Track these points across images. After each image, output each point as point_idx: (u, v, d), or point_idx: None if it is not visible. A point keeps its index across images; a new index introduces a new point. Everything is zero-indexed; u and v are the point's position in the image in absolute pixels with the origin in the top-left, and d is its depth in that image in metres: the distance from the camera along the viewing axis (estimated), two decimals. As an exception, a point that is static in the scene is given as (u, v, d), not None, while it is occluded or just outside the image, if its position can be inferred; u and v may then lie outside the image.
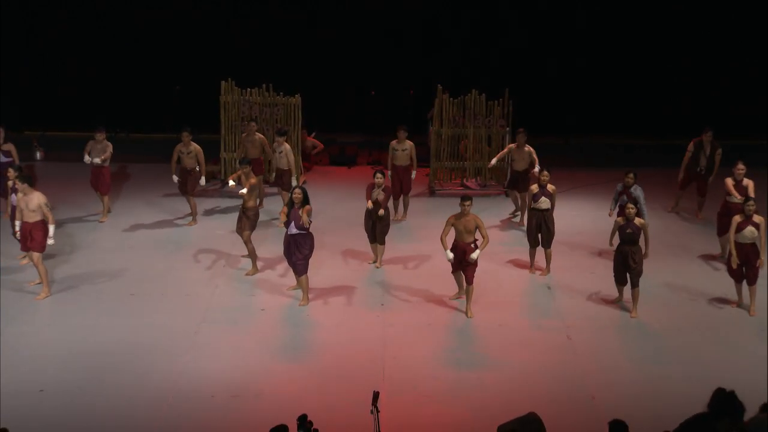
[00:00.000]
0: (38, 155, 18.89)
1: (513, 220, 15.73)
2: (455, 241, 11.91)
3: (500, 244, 14.58)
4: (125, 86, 20.54)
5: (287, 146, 15.33)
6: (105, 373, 10.40)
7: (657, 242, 14.58)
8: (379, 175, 13.31)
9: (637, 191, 13.25)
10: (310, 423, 7.30)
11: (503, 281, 13.20)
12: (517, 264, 13.82)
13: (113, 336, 11.30)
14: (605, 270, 13.52)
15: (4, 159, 14.84)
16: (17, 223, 12.34)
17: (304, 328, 11.74)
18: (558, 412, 9.35)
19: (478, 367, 10.79)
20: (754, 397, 10.02)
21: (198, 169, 15.27)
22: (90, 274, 13.28)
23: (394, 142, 15.54)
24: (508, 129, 17.24)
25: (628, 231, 12.04)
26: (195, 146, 15.26)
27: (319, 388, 10.13)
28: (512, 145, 15.54)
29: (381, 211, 13.16)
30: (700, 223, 15.70)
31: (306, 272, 12.22)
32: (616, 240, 12.35)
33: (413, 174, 15.58)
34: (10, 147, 15.09)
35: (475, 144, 17.38)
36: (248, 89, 17.48)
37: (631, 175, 13.41)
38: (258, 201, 14.18)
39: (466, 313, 11.98)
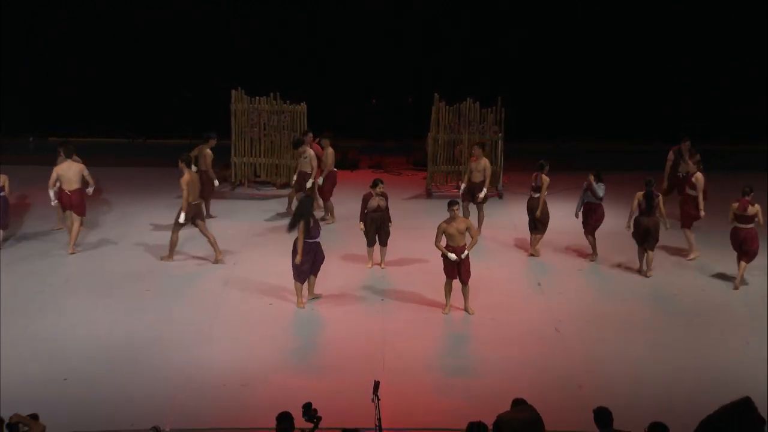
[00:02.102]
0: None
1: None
2: (450, 247, 11.78)
3: (492, 242, 14.66)
4: (140, 94, 20.59)
5: (311, 152, 15.24)
6: (124, 364, 10.48)
7: (633, 244, 14.74)
8: (380, 184, 13.29)
9: (599, 187, 13.57)
10: (315, 410, 7.37)
11: (495, 278, 13.24)
12: (508, 261, 13.89)
13: (132, 330, 11.38)
14: (591, 266, 13.66)
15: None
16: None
17: (309, 322, 11.80)
18: (547, 400, 9.37)
19: (472, 359, 10.87)
20: (732, 383, 10.15)
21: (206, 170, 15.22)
22: (109, 271, 13.36)
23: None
24: (500, 135, 17.32)
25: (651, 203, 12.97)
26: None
27: (323, 378, 10.20)
28: (472, 158, 15.24)
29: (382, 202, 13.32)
30: (675, 226, 15.66)
31: None
32: None
33: (313, 181, 15.26)
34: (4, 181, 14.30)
35: (470, 149, 17.42)
36: (257, 97, 17.54)
37: (593, 175, 13.71)
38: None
39: (468, 311, 11.94)
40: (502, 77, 20.19)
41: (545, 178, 13.83)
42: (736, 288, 12.88)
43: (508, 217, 15.93)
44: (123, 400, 9.67)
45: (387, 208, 13.51)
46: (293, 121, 17.50)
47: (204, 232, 13.50)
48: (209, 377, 10.20)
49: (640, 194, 13.10)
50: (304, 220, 11.79)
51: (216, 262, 13.53)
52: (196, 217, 13.40)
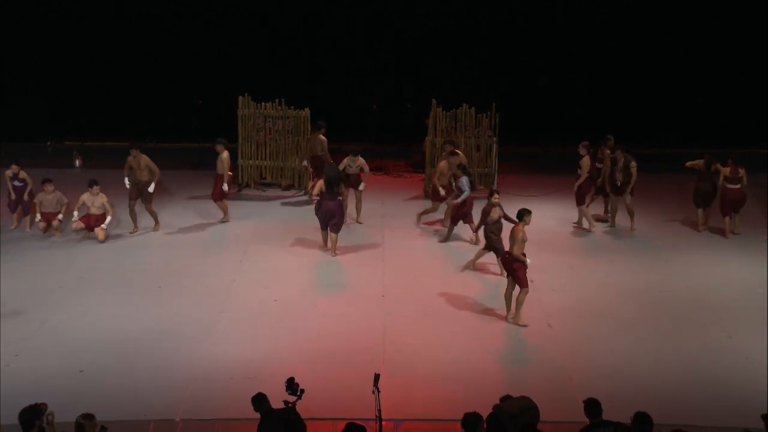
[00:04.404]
0: (77, 163, 18.96)
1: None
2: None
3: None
4: (151, 99, 20.56)
5: (362, 160, 15.36)
6: (136, 357, 10.50)
7: (627, 242, 14.79)
8: (496, 195, 12.77)
9: (464, 182, 13.98)
10: (297, 384, 7.46)
11: (490, 275, 13.23)
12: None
13: (143, 324, 11.39)
14: (581, 264, 13.66)
15: (18, 183, 14.92)
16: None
17: (312, 317, 11.79)
18: (540, 391, 9.36)
19: (469, 352, 10.84)
20: (714, 375, 10.19)
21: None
22: (121, 269, 13.39)
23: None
24: (495, 139, 17.32)
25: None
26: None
27: (326, 371, 10.20)
28: (443, 163, 15.25)
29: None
30: (662, 225, 15.74)
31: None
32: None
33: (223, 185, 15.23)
34: (24, 175, 14.98)
35: (466, 152, 17.42)
36: (263, 103, 17.56)
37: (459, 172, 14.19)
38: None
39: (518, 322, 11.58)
40: (499, 82, 20.20)
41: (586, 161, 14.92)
42: (735, 233, 14.89)
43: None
44: (135, 392, 9.68)
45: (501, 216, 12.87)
46: (297, 125, 17.54)
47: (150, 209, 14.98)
48: (218, 370, 10.21)
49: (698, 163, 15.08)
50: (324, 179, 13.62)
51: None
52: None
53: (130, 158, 14.82)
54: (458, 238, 14.81)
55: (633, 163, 14.90)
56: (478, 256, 13.23)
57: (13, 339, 10.82)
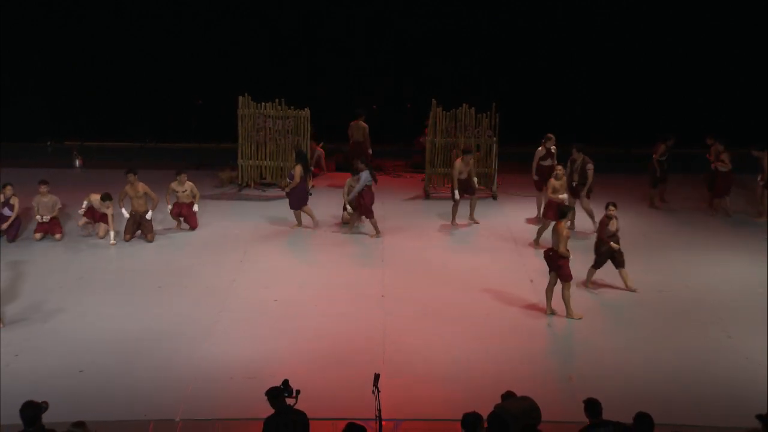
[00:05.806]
0: (77, 163, 18.92)
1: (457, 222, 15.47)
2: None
3: (487, 241, 14.66)
4: (151, 99, 20.52)
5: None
6: (136, 357, 10.50)
7: (626, 242, 14.76)
8: (612, 207, 12.47)
9: (363, 175, 14.53)
10: (291, 387, 7.53)
11: (490, 276, 13.24)
12: (503, 260, 13.87)
13: (143, 324, 11.39)
14: (578, 264, 13.62)
15: (8, 212, 14.33)
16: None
17: (312, 317, 11.79)
18: (540, 391, 9.35)
19: (469, 352, 10.84)
20: (714, 375, 10.19)
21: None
22: (122, 269, 13.40)
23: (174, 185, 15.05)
24: (495, 139, 17.31)
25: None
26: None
27: (326, 371, 10.20)
28: (458, 160, 15.37)
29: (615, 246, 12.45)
30: (661, 225, 15.74)
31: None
32: None
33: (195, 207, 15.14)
34: (15, 202, 14.36)
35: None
36: (263, 103, 17.54)
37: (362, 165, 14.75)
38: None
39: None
40: (499, 82, 20.17)
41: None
42: (723, 215, 15.84)
43: (503, 217, 15.92)
44: (135, 392, 9.69)
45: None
46: (297, 125, 17.52)
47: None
48: (218, 370, 10.21)
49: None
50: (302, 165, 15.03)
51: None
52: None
53: (127, 187, 14.38)
54: (444, 240, 14.82)
55: (590, 165, 14.78)
56: (591, 274, 12.76)
57: (14, 339, 10.83)
